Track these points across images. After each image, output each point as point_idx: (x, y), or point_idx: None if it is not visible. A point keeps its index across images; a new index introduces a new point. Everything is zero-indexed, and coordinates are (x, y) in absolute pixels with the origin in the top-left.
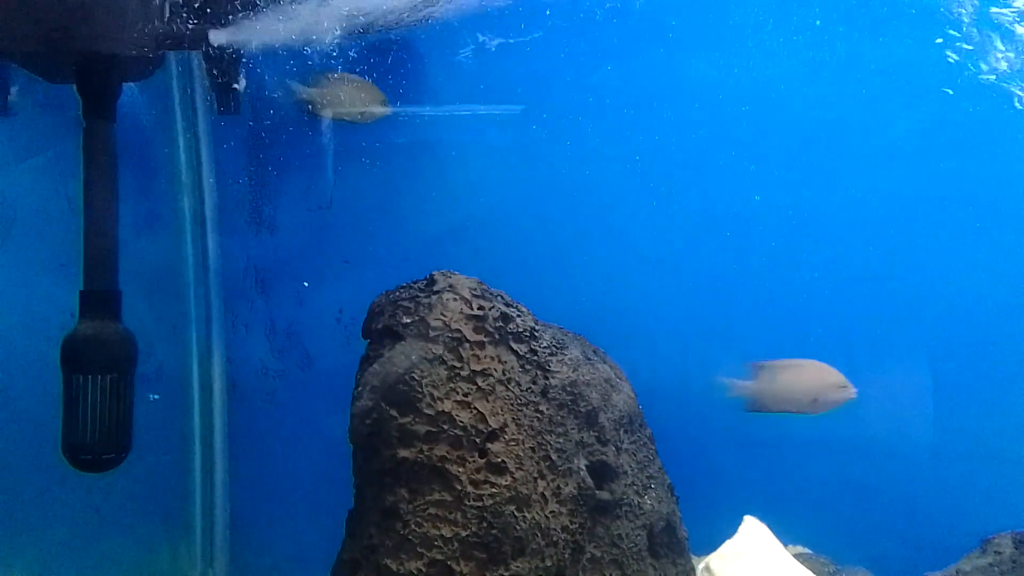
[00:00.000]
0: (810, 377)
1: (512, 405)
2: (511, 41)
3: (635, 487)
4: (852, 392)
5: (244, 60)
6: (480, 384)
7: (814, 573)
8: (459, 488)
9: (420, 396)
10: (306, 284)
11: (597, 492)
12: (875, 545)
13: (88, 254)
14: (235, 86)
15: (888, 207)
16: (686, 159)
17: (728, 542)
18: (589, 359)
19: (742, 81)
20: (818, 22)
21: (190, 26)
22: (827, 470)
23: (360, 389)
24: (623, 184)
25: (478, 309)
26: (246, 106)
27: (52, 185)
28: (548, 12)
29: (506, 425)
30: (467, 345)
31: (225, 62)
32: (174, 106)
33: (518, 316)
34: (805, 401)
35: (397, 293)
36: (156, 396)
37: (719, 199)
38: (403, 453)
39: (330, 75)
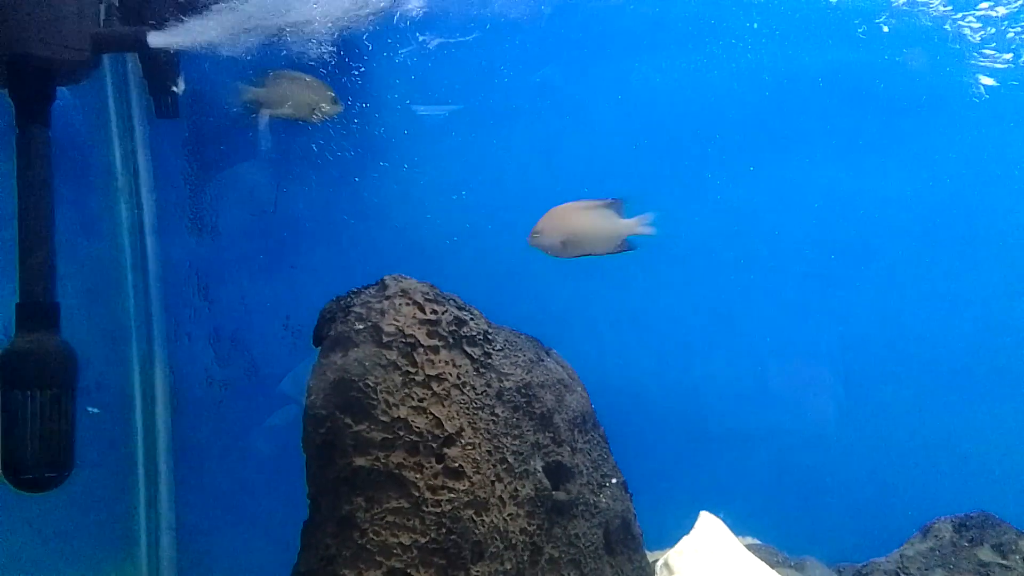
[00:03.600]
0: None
1: (468, 409)
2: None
3: (590, 486)
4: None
5: (181, 62)
6: (435, 389)
7: (766, 563)
8: (417, 495)
9: (375, 403)
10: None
11: (554, 493)
12: (821, 533)
13: (24, 265)
14: (173, 89)
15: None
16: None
17: (685, 538)
18: (542, 360)
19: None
20: (755, 25)
21: (127, 28)
22: (772, 461)
23: (313, 397)
24: (570, 185)
25: (431, 313)
26: (185, 108)
27: None
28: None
29: (462, 429)
30: (421, 350)
31: (162, 65)
32: (108, 109)
33: (471, 319)
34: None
35: (348, 299)
36: (96, 409)
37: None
38: (359, 461)
39: (277, 73)
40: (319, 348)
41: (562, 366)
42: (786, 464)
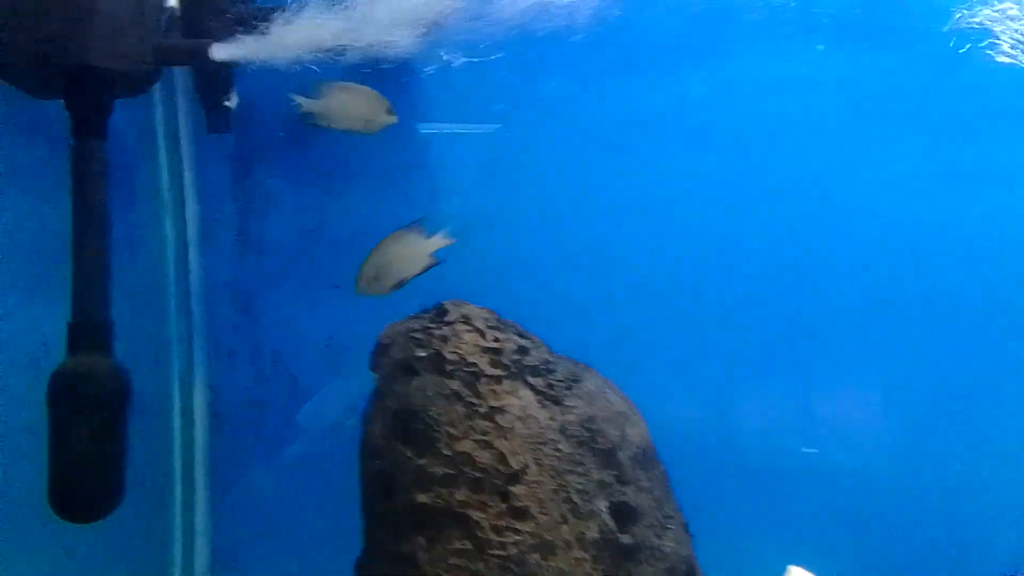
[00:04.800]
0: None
1: (532, 444)
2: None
3: (654, 528)
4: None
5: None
6: (499, 422)
7: None
8: (481, 535)
9: (438, 435)
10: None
11: (619, 536)
12: None
13: (77, 281)
14: (226, 103)
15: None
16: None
17: None
18: (603, 392)
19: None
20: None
21: (189, 40)
22: (836, 501)
23: (372, 427)
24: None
25: (493, 341)
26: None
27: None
28: None
29: (527, 466)
30: (484, 380)
31: (216, 78)
32: (155, 122)
33: (533, 348)
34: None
35: (406, 324)
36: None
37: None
38: (421, 497)
39: (331, 84)
40: (376, 375)
41: (621, 398)
42: (852, 504)
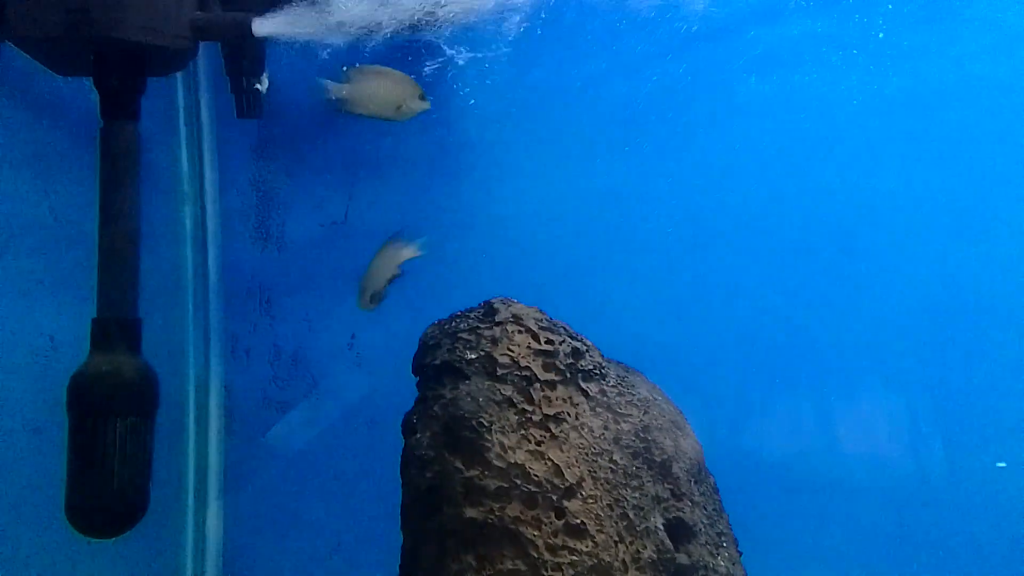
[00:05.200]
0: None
1: (586, 455)
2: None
3: (708, 546)
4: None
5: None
6: (553, 431)
7: None
8: (535, 555)
9: (489, 445)
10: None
11: (676, 555)
12: None
13: (104, 274)
14: (257, 87)
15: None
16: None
17: None
18: (655, 399)
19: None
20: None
21: (229, 14)
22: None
23: (419, 436)
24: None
25: (546, 343)
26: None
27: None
28: None
29: (583, 479)
30: (538, 385)
31: (248, 60)
32: (178, 107)
33: (587, 351)
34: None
35: (452, 324)
36: None
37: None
38: (470, 512)
39: (361, 68)
40: (420, 379)
41: (670, 404)
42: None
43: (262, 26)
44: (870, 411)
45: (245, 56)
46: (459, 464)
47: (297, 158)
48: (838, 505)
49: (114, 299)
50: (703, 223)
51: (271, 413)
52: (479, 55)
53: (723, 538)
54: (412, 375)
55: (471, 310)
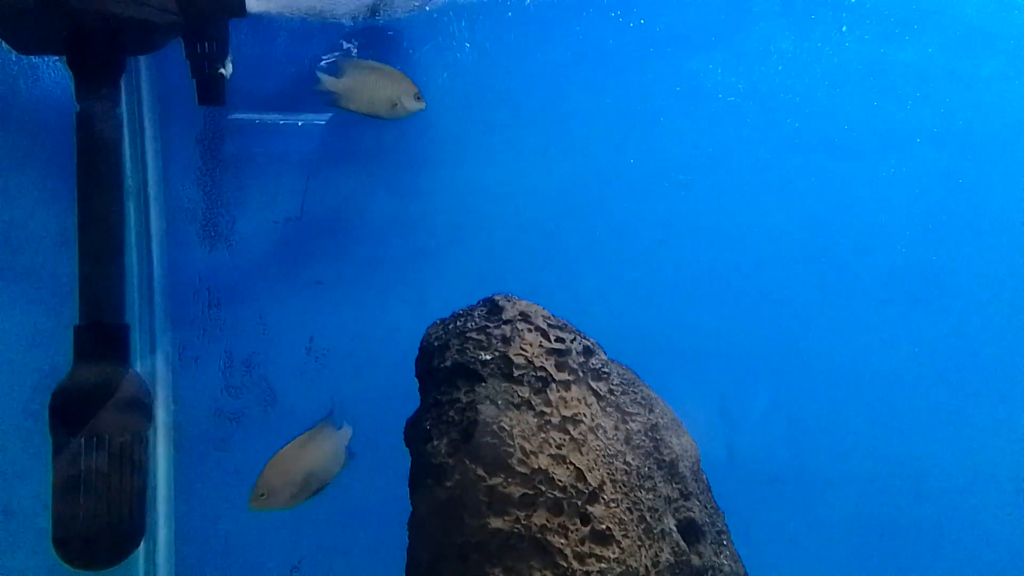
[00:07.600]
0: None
1: (604, 457)
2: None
3: (713, 545)
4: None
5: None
6: (572, 433)
7: None
8: (564, 565)
9: (511, 450)
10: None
11: (691, 556)
12: None
13: (86, 278)
14: (221, 71)
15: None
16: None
17: None
18: (656, 397)
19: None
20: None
21: None
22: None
23: (435, 443)
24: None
25: (556, 342)
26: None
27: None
28: None
29: (604, 483)
30: (553, 386)
31: (211, 43)
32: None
33: (595, 349)
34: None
35: (458, 323)
36: None
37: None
38: (495, 523)
39: (356, 62)
40: (427, 382)
41: (663, 404)
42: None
43: (256, 2)
44: (860, 408)
45: (208, 38)
46: (481, 471)
47: (246, 149)
48: (829, 501)
49: (96, 304)
50: (687, 220)
51: (224, 425)
52: (441, 41)
53: (723, 536)
54: (415, 378)
55: (473, 308)
